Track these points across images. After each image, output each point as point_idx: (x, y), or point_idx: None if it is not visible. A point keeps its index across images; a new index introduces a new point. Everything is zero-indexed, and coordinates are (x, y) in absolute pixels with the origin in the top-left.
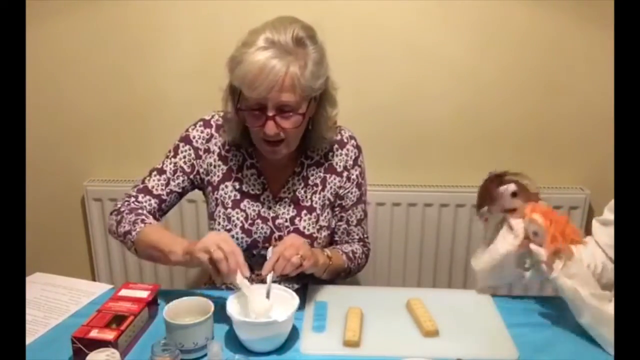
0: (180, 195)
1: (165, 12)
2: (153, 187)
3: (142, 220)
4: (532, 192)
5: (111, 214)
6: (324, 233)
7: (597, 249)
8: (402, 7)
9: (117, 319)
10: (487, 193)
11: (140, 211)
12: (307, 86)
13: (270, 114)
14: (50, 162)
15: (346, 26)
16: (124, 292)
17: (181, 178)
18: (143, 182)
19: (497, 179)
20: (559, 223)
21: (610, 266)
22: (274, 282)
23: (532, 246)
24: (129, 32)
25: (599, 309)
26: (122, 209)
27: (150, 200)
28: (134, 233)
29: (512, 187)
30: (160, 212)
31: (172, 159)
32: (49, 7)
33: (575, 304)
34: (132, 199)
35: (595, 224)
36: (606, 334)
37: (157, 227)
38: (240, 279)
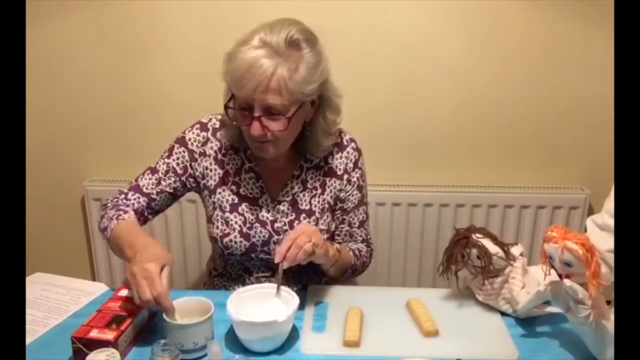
0: (172, 195)
1: (166, 13)
2: (144, 185)
3: (118, 217)
4: (495, 255)
5: (100, 209)
6: (324, 237)
7: None
8: (401, 6)
9: (117, 319)
10: (455, 256)
11: (122, 207)
12: (296, 90)
13: (257, 114)
14: (50, 162)
15: (345, 26)
16: (124, 292)
17: (172, 179)
18: (136, 179)
19: (463, 241)
20: (594, 252)
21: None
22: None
23: (567, 283)
24: (129, 32)
25: None
26: (108, 205)
27: (139, 198)
28: (109, 230)
29: (474, 252)
30: (149, 210)
31: (166, 160)
32: (49, 7)
33: (603, 340)
34: (122, 196)
35: (591, 226)
36: None
37: (127, 225)
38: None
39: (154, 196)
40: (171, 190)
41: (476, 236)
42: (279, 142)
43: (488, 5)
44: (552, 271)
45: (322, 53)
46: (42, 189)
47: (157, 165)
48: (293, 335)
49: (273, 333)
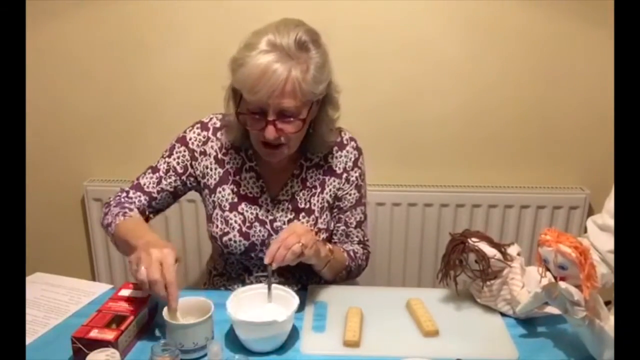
0: (173, 195)
1: (166, 13)
2: (145, 184)
3: (124, 214)
4: (492, 258)
5: (103, 207)
6: (322, 236)
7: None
8: (401, 6)
9: (117, 319)
10: (453, 263)
11: (126, 205)
12: (309, 91)
13: (271, 118)
14: (50, 162)
15: (345, 26)
16: (124, 292)
17: (173, 178)
18: (138, 178)
19: (460, 247)
20: (588, 255)
21: (607, 270)
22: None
23: (562, 285)
24: (129, 32)
25: None
26: (111, 202)
27: (140, 196)
28: (113, 225)
29: (472, 256)
30: (150, 209)
31: (167, 159)
32: (50, 7)
33: (600, 342)
34: (124, 194)
35: (592, 226)
36: None
37: (135, 221)
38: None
39: (155, 195)
40: (172, 190)
41: (472, 240)
42: (291, 144)
43: (489, 5)
44: (549, 273)
45: (327, 52)
46: (42, 189)
47: (158, 164)
48: (293, 335)
49: (273, 333)
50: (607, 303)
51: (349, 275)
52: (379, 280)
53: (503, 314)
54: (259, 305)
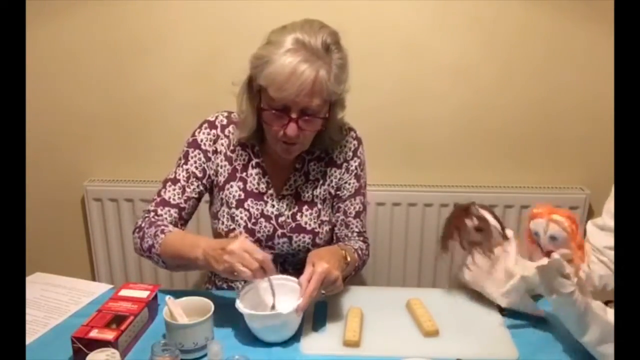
0: (198, 200)
1: (167, 12)
2: (170, 197)
3: (162, 231)
4: (494, 228)
5: (134, 232)
6: (326, 228)
7: (592, 256)
8: (401, 6)
9: (117, 319)
10: (455, 225)
11: (159, 223)
12: (332, 91)
13: (294, 116)
14: (50, 162)
15: (345, 25)
16: (124, 292)
17: (195, 184)
18: (159, 194)
19: (464, 212)
20: (578, 225)
21: (606, 272)
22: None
23: (555, 254)
24: (129, 31)
25: (610, 323)
26: (143, 225)
27: (169, 211)
28: (157, 246)
29: (475, 221)
30: (182, 221)
31: (184, 166)
32: (49, 7)
33: (585, 320)
34: (152, 214)
35: (591, 228)
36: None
37: (177, 234)
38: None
39: (183, 205)
40: (196, 196)
41: (475, 208)
42: (306, 142)
43: (489, 5)
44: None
45: (346, 53)
46: (42, 188)
47: (177, 175)
48: (293, 335)
49: (278, 324)
50: (606, 303)
51: (355, 273)
52: (379, 280)
53: (502, 311)
54: (270, 298)
